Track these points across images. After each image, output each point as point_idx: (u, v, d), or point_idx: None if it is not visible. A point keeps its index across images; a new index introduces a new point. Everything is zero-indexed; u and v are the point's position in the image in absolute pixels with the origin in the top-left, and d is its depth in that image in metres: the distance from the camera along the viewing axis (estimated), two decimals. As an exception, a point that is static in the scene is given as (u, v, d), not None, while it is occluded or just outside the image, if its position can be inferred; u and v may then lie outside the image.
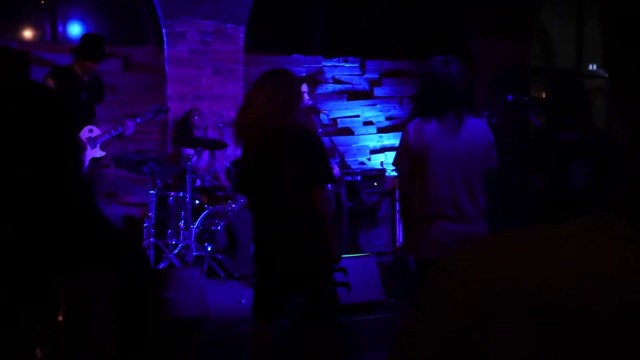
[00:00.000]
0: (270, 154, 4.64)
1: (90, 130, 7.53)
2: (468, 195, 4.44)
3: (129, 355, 1.56)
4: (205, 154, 9.19)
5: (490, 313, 0.66)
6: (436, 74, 4.49)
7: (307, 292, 4.71)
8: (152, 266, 1.94)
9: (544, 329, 0.64)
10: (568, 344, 0.63)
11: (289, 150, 4.62)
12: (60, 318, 1.38)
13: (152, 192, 8.43)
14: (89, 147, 7.47)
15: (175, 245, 8.44)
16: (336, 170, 7.64)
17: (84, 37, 7.81)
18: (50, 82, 7.20)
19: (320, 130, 7.93)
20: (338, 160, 8.26)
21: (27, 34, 10.54)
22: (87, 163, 7.44)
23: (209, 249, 8.42)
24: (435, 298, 0.72)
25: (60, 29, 10.05)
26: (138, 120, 8.07)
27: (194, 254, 8.30)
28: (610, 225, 0.68)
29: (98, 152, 7.60)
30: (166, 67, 9.98)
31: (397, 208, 9.62)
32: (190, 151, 8.69)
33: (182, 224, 8.49)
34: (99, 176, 7.82)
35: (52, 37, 10.23)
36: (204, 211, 8.65)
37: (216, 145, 8.85)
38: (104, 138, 7.64)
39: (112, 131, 7.78)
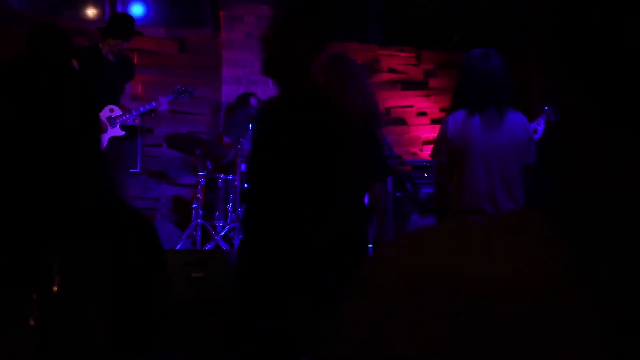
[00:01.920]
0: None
1: (111, 110, 7.58)
2: (505, 190, 4.39)
3: (122, 330, 1.57)
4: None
5: (407, 305, 0.67)
6: (477, 67, 4.45)
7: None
8: (160, 247, 1.94)
9: (457, 323, 0.64)
10: (478, 340, 0.63)
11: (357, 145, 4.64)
12: (55, 289, 1.40)
13: (201, 173, 8.49)
14: (108, 127, 7.53)
15: (223, 227, 8.50)
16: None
17: (113, 16, 7.88)
18: (74, 63, 7.27)
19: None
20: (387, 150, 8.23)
21: (87, 12, 10.67)
22: (106, 142, 7.49)
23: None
24: (363, 287, 0.73)
25: (119, 8, 10.15)
26: (166, 98, 8.09)
27: (241, 236, 8.34)
28: (533, 223, 0.68)
29: (118, 132, 7.64)
30: (222, 50, 10.04)
31: (447, 200, 9.58)
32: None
33: (230, 206, 8.55)
34: (122, 155, 7.85)
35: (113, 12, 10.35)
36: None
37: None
38: (125, 117, 7.67)
39: (147, 106, 7.81)
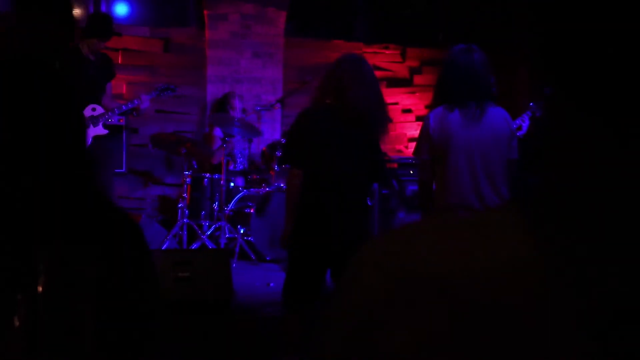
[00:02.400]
0: (352, 142, 4.61)
1: (93, 109, 7.55)
2: (490, 184, 4.41)
3: (110, 331, 1.56)
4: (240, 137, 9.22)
5: (391, 302, 0.67)
6: (458, 62, 4.45)
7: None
8: (147, 247, 1.93)
9: (443, 318, 0.64)
10: (454, 332, 0.63)
11: (366, 136, 4.63)
12: (40, 289, 1.39)
13: (187, 173, 8.48)
14: (91, 126, 7.51)
15: (209, 227, 8.50)
16: None
17: (92, 15, 7.89)
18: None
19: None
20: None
21: (72, 12, 10.63)
22: (89, 141, 7.47)
23: (242, 231, 8.46)
24: (350, 285, 0.73)
25: (103, 8, 10.12)
26: (148, 96, 8.06)
27: (227, 235, 8.36)
28: (515, 217, 0.68)
29: (101, 130, 7.62)
30: (207, 49, 10.03)
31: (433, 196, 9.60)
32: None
33: (216, 205, 8.55)
34: (107, 155, 7.81)
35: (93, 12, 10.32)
36: (238, 194, 8.69)
37: (252, 131, 8.83)
38: (107, 116, 7.65)
39: (129, 104, 7.78)
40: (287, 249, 4.71)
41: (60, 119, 1.73)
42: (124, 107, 7.75)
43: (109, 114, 7.62)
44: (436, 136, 4.46)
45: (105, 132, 7.64)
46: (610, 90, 0.61)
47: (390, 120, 4.83)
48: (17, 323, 1.37)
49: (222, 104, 9.59)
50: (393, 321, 0.66)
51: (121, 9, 10.42)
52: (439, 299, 0.65)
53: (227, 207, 8.48)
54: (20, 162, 1.65)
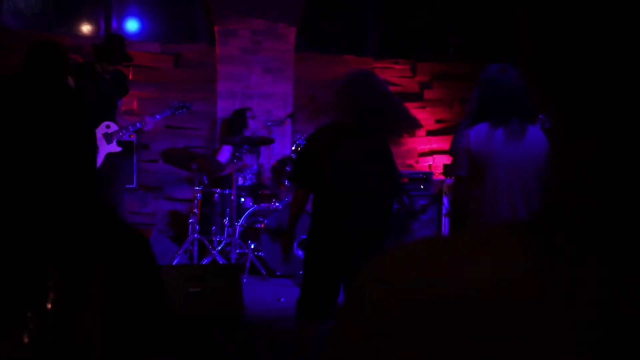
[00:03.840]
0: (359, 156, 4.63)
1: (108, 126, 7.55)
2: (525, 204, 4.39)
3: (120, 349, 1.56)
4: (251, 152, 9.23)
5: (394, 319, 0.67)
6: (499, 81, 4.45)
7: None
8: (156, 262, 1.93)
9: (446, 336, 0.64)
10: (467, 352, 0.63)
11: (376, 152, 4.63)
12: (49, 306, 1.39)
13: (197, 188, 8.49)
14: (104, 143, 7.51)
15: (219, 242, 8.51)
16: None
17: (105, 39, 7.86)
18: (70, 80, 7.28)
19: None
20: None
21: (82, 28, 10.70)
22: (102, 158, 7.48)
23: (252, 246, 8.46)
24: (355, 302, 0.73)
25: (114, 24, 10.18)
26: (157, 116, 8.05)
27: (238, 251, 8.36)
28: (520, 235, 0.68)
29: (114, 148, 7.60)
30: (217, 65, 10.06)
31: (444, 212, 9.58)
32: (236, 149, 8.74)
33: (226, 221, 8.56)
34: (119, 171, 7.79)
35: (106, 32, 10.37)
36: (248, 209, 8.70)
37: (263, 143, 8.85)
38: (121, 134, 7.65)
39: (130, 127, 7.78)
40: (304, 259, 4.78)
41: (72, 134, 1.74)
42: (131, 128, 7.75)
43: (123, 131, 7.62)
44: (476, 153, 4.45)
45: (119, 149, 7.64)
46: (615, 110, 0.61)
47: (413, 122, 4.82)
48: (26, 340, 1.38)
49: (235, 122, 9.57)
50: (393, 338, 0.66)
51: (132, 25, 10.48)
52: (436, 318, 0.65)
53: (238, 222, 8.48)
54: (30, 177, 1.66)
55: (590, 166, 0.63)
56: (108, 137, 7.52)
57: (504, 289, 0.64)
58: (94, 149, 1.89)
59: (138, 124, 7.79)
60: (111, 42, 7.71)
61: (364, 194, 4.58)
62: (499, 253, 0.67)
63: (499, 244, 0.68)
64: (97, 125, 7.47)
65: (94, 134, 1.92)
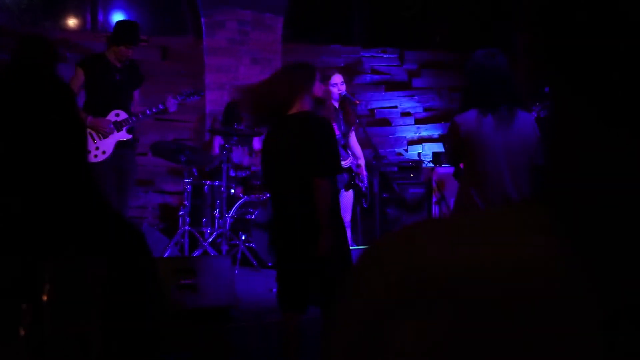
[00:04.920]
0: (279, 144, 4.69)
1: (117, 114, 7.49)
2: (516, 189, 4.41)
3: (116, 341, 1.57)
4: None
5: (397, 302, 0.67)
6: (485, 67, 4.46)
7: (319, 282, 4.68)
8: (151, 255, 1.94)
9: (454, 316, 0.64)
10: (469, 331, 0.63)
11: (295, 138, 4.62)
12: (45, 298, 1.40)
13: (187, 180, 8.48)
14: (114, 131, 7.46)
15: (210, 234, 8.50)
16: (348, 161, 7.51)
17: (119, 23, 7.80)
18: (80, 71, 7.25)
19: (356, 121, 7.87)
20: (371, 151, 8.18)
21: (68, 22, 10.65)
22: (112, 147, 7.44)
23: (243, 238, 8.46)
24: (356, 285, 0.73)
25: (100, 17, 10.14)
26: (173, 101, 7.96)
27: (229, 242, 8.36)
28: (531, 214, 0.67)
29: (124, 135, 7.55)
30: (204, 57, 10.04)
31: (434, 200, 9.58)
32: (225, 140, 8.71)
33: (217, 212, 8.54)
34: (128, 161, 7.73)
35: (92, 25, 10.33)
36: (238, 200, 8.69)
37: (252, 134, 8.84)
38: (132, 121, 7.58)
39: (147, 111, 7.68)
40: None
41: (60, 127, 1.74)
42: (148, 112, 7.68)
43: (133, 119, 7.55)
44: (466, 139, 4.47)
45: (129, 136, 7.57)
46: (633, 97, 0.61)
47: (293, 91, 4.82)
48: (22, 332, 1.38)
49: (228, 114, 9.50)
50: (398, 321, 0.66)
51: (118, 18, 10.42)
52: (445, 297, 0.64)
53: (228, 214, 8.48)
54: (23, 171, 1.66)
55: (611, 148, 0.63)
56: (117, 125, 7.47)
57: (519, 268, 0.64)
58: (84, 139, 1.89)
59: (160, 106, 7.73)
60: (125, 25, 7.69)
61: (290, 180, 4.64)
62: (512, 231, 0.67)
63: (511, 222, 0.68)
64: (106, 114, 7.43)
65: (84, 127, 1.91)
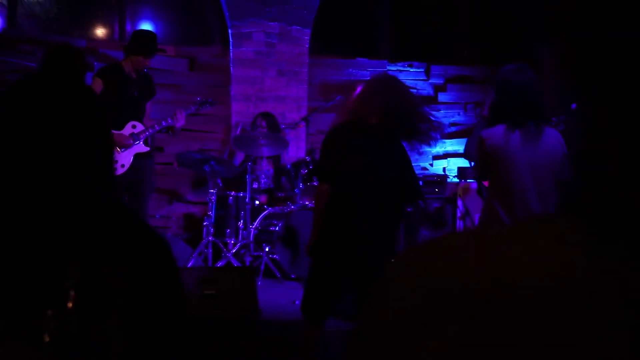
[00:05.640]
0: (378, 158, 4.62)
1: (134, 126, 7.50)
2: (542, 205, 4.38)
3: (139, 349, 1.56)
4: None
5: (427, 314, 0.66)
6: (514, 82, 4.44)
7: (357, 295, 4.66)
8: (176, 264, 1.94)
9: (476, 330, 0.63)
10: (496, 345, 0.62)
11: (394, 154, 4.61)
12: (70, 305, 1.39)
13: (212, 191, 8.50)
14: (133, 144, 7.47)
15: (234, 245, 8.50)
16: None
17: (136, 32, 7.81)
18: (98, 81, 7.24)
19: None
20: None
21: (96, 32, 10.74)
22: (130, 160, 7.45)
23: (267, 249, 8.45)
24: (380, 299, 0.72)
25: (128, 27, 10.20)
26: (184, 112, 7.95)
27: (252, 253, 8.36)
28: (557, 229, 0.66)
29: (142, 148, 7.55)
30: (231, 68, 10.07)
31: (458, 214, 9.55)
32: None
33: (241, 223, 8.55)
34: (147, 172, 7.73)
35: (120, 35, 10.41)
36: (263, 212, 8.69)
37: (278, 143, 8.83)
38: (148, 133, 7.58)
39: (156, 126, 7.66)
40: (311, 258, 4.75)
41: (91, 137, 1.74)
42: (164, 123, 7.68)
43: (150, 130, 7.56)
44: (493, 155, 4.45)
45: (147, 149, 7.58)
46: None
47: (438, 128, 4.76)
48: (47, 339, 1.38)
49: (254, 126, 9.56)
50: (425, 332, 0.65)
51: (146, 28, 10.49)
52: (475, 310, 0.63)
53: (252, 225, 8.48)
54: (49, 180, 1.66)
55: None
56: (135, 137, 7.49)
57: (552, 279, 0.63)
58: (112, 150, 1.89)
59: (170, 120, 7.74)
60: (142, 35, 7.70)
61: (375, 197, 4.57)
62: (540, 244, 0.66)
63: (539, 235, 0.67)
64: (123, 125, 7.45)
65: (111, 137, 1.92)
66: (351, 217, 4.61)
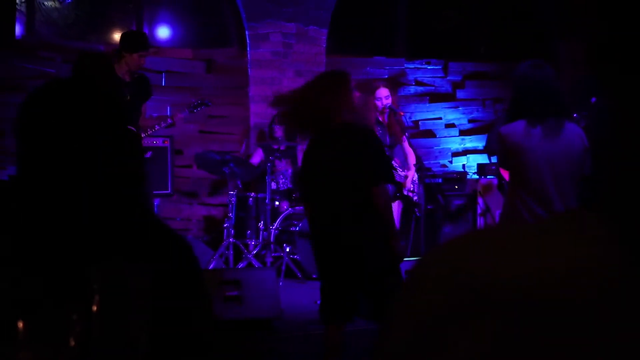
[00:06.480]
0: (325, 154, 4.65)
1: (131, 132, 7.46)
2: (563, 202, 4.36)
3: (164, 351, 1.57)
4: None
5: (460, 308, 0.65)
6: (533, 78, 4.42)
7: (372, 294, 4.67)
8: (199, 266, 1.95)
9: (508, 324, 0.63)
10: (529, 341, 0.62)
11: (344, 149, 4.60)
12: (95, 309, 1.40)
13: (232, 192, 8.51)
14: None
15: (255, 246, 8.52)
16: (399, 174, 7.54)
17: (124, 33, 7.75)
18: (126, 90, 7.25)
19: (406, 132, 7.89)
20: (415, 163, 8.16)
21: (114, 36, 10.78)
22: None
23: (287, 250, 8.46)
24: (413, 291, 0.72)
25: (146, 31, 10.23)
26: (180, 115, 7.97)
27: (273, 254, 8.36)
28: (586, 223, 0.66)
29: None
30: (249, 69, 10.09)
31: (478, 211, 9.52)
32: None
33: (261, 224, 8.57)
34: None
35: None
36: (283, 212, 8.70)
37: (294, 146, 8.87)
38: (142, 137, 7.51)
39: (149, 130, 7.62)
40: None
41: (114, 138, 1.75)
42: (157, 127, 7.68)
43: (142, 134, 7.52)
44: (513, 150, 4.44)
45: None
46: None
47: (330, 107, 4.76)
48: (72, 343, 1.39)
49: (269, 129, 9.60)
50: (457, 332, 0.65)
51: (163, 32, 10.54)
52: (501, 307, 0.63)
53: (273, 226, 8.49)
54: (75, 183, 1.68)
55: None
56: None
57: (582, 272, 0.63)
58: (136, 152, 1.90)
59: (169, 121, 7.72)
60: (134, 34, 7.69)
61: (337, 192, 4.59)
62: (570, 241, 0.65)
63: (570, 232, 0.66)
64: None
65: (140, 139, 1.93)
66: (323, 219, 4.75)
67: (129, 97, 7.41)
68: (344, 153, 4.58)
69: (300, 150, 9.36)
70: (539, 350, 0.62)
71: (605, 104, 0.68)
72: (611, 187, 0.68)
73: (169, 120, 7.73)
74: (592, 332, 0.61)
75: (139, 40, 7.44)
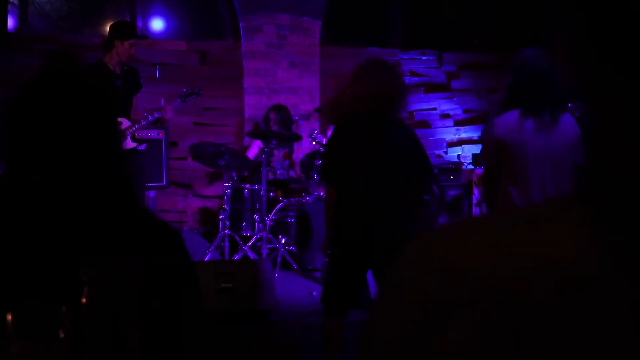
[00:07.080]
0: (375, 145, 4.58)
1: (119, 123, 7.39)
2: (557, 191, 4.34)
3: (154, 343, 1.57)
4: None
5: (444, 302, 0.65)
6: (532, 69, 4.38)
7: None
8: (189, 257, 1.94)
9: (490, 318, 0.62)
10: (510, 332, 0.61)
11: (399, 144, 4.58)
12: (84, 300, 1.40)
13: (227, 184, 8.50)
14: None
15: (250, 238, 8.51)
16: None
17: (116, 24, 7.70)
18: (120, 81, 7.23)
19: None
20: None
21: (107, 29, 10.75)
22: None
23: (283, 241, 8.46)
24: (396, 287, 0.71)
25: (139, 23, 10.22)
26: (172, 105, 7.93)
27: (268, 246, 8.36)
28: (569, 212, 0.65)
29: (128, 144, 7.48)
30: (243, 61, 10.07)
31: (474, 202, 9.54)
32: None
33: (256, 216, 8.56)
34: (136, 169, 7.58)
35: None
36: (278, 204, 8.70)
37: (290, 139, 8.87)
38: (134, 129, 7.48)
39: (142, 121, 7.57)
40: (329, 251, 4.77)
41: (100, 132, 1.74)
42: (150, 118, 7.61)
43: (136, 126, 7.48)
44: (505, 142, 4.41)
45: (133, 145, 7.53)
46: None
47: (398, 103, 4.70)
48: (62, 335, 1.38)
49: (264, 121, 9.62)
50: (445, 322, 0.64)
51: (157, 24, 10.52)
52: (493, 297, 0.63)
53: (268, 217, 8.48)
54: (64, 175, 1.67)
55: None
56: (121, 135, 7.39)
57: (565, 266, 0.62)
58: (120, 144, 1.90)
59: (157, 114, 7.67)
60: (123, 23, 7.66)
61: (382, 185, 4.55)
62: (554, 230, 0.65)
63: (553, 221, 0.65)
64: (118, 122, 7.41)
65: (119, 130, 1.92)
66: (362, 213, 4.61)
67: (120, 88, 7.38)
68: (400, 147, 4.57)
69: (297, 143, 9.38)
70: (520, 345, 0.61)
71: (588, 108, 0.67)
72: (595, 178, 0.67)
73: (157, 114, 7.65)
74: (571, 326, 0.60)
75: (129, 28, 7.40)
